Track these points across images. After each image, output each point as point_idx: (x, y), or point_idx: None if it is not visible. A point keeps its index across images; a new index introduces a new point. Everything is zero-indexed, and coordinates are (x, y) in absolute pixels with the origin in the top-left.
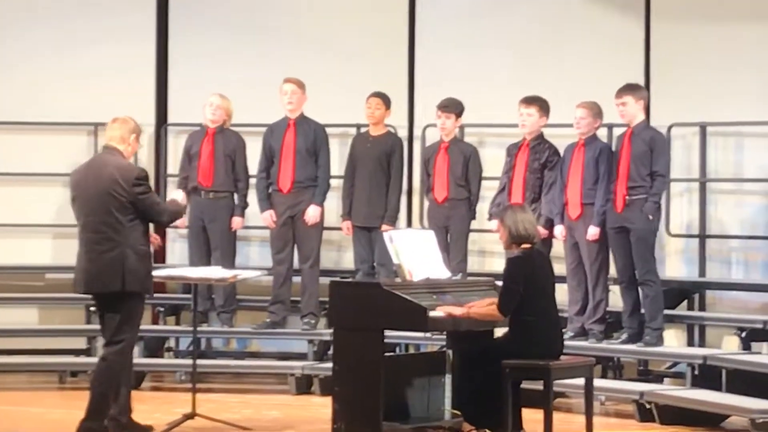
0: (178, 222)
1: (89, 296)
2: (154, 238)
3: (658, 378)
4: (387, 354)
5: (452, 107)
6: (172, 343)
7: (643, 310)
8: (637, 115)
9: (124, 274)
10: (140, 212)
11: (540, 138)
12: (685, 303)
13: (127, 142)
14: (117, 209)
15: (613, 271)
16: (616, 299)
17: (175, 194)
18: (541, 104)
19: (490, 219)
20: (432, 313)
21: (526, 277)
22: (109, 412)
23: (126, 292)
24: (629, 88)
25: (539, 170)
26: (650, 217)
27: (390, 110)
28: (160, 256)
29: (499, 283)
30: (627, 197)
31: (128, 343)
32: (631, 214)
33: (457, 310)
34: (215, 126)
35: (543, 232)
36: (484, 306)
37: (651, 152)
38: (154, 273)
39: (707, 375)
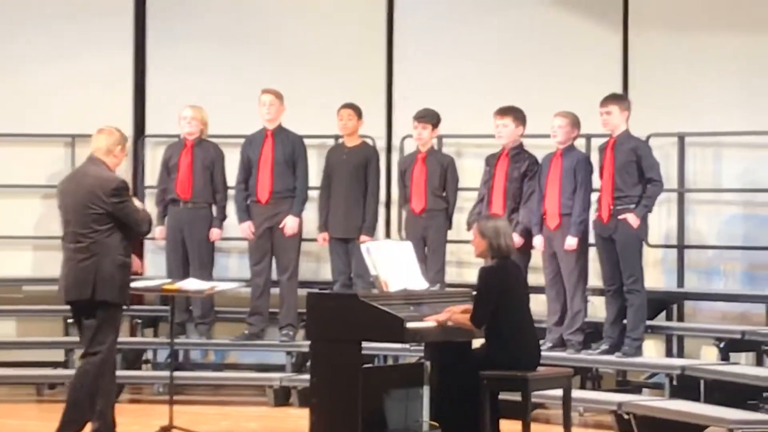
0: (156, 233)
1: (68, 307)
2: (136, 263)
3: (637, 389)
4: (365, 365)
5: (428, 118)
6: (149, 355)
7: (625, 321)
8: (620, 125)
9: (95, 283)
10: (119, 222)
11: (519, 148)
12: (663, 313)
13: (112, 154)
14: (94, 220)
15: (591, 281)
16: (594, 310)
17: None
18: (515, 114)
19: (468, 229)
20: (409, 325)
21: (501, 287)
22: (86, 422)
23: (97, 301)
24: (615, 98)
25: (519, 180)
26: (637, 220)
27: (362, 120)
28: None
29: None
30: (612, 207)
31: (105, 354)
32: (617, 224)
33: (442, 317)
34: (193, 138)
35: (519, 240)
36: (459, 313)
37: (638, 162)
38: (132, 285)
39: (686, 386)
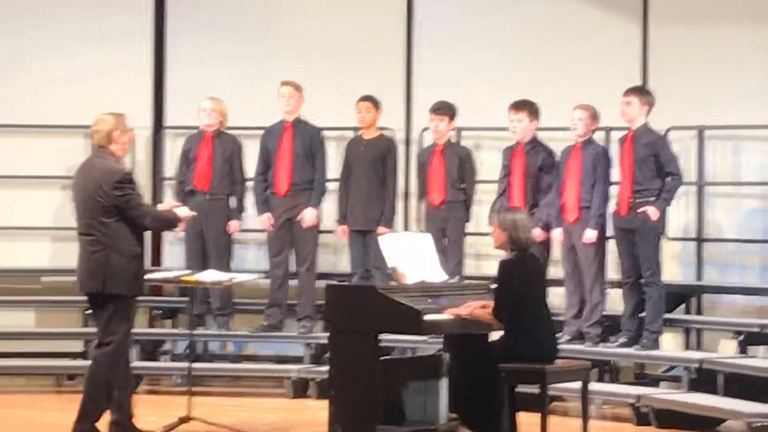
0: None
1: (86, 297)
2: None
3: (655, 382)
4: (383, 357)
5: (445, 110)
6: (168, 346)
7: (643, 314)
8: (638, 117)
9: (104, 276)
10: (123, 214)
11: (534, 141)
12: (682, 306)
13: (114, 140)
14: (102, 212)
15: (610, 274)
16: (612, 303)
17: (182, 210)
18: (530, 109)
19: (490, 224)
20: (427, 317)
21: (519, 280)
22: (103, 414)
23: (107, 294)
24: (637, 90)
25: (537, 174)
26: (657, 212)
27: (380, 112)
28: (156, 259)
29: (494, 286)
30: (632, 200)
31: (118, 345)
32: (636, 217)
33: (462, 311)
34: (212, 130)
35: (542, 235)
36: (479, 308)
37: (655, 155)
38: (150, 276)
39: (704, 379)
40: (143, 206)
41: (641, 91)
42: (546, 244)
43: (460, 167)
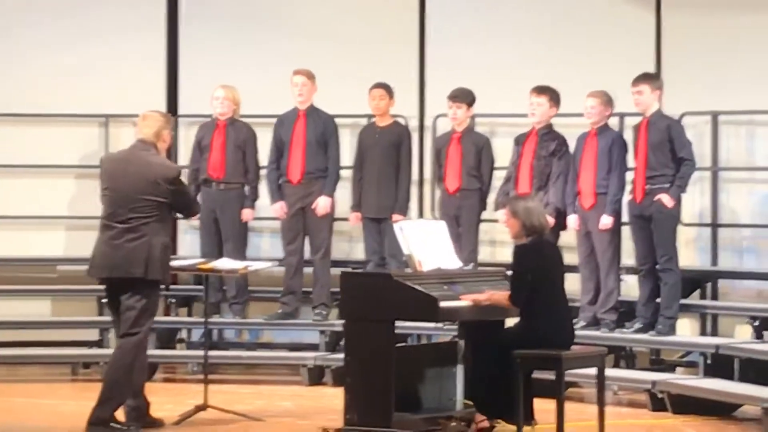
0: None
1: (102, 286)
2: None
3: (671, 367)
4: (398, 344)
5: (463, 97)
6: (184, 334)
7: (659, 300)
8: (652, 104)
9: (148, 262)
10: (172, 206)
11: (549, 128)
12: (697, 292)
13: (161, 138)
14: (151, 205)
15: (625, 260)
16: (628, 289)
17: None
18: (552, 94)
19: (496, 209)
20: (443, 304)
21: (535, 265)
22: (124, 402)
23: (147, 280)
24: (646, 77)
25: (547, 158)
26: (672, 200)
27: (394, 99)
28: (172, 248)
29: (510, 272)
30: (647, 186)
31: (144, 333)
32: (652, 203)
33: (481, 297)
34: (225, 118)
35: (550, 220)
36: (500, 294)
37: (670, 141)
38: None
39: (720, 364)
40: (191, 193)
41: (649, 78)
42: (555, 230)
43: (477, 155)
